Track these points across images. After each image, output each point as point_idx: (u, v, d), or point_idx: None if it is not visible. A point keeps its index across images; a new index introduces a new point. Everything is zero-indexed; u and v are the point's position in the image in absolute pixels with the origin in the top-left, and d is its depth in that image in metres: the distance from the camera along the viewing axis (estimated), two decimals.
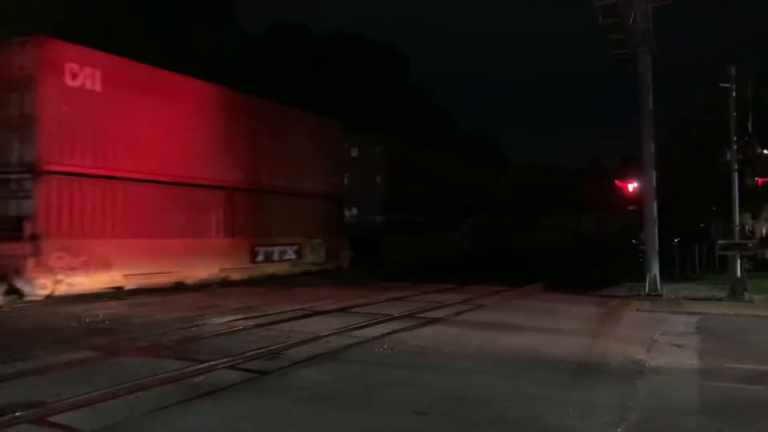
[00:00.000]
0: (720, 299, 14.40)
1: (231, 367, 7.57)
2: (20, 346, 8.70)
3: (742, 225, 17.33)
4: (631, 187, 32.35)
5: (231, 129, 17.75)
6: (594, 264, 23.53)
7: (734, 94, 15.83)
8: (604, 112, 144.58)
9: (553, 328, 10.83)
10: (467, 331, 10.44)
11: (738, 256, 15.07)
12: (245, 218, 18.09)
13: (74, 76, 13.70)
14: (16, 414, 5.57)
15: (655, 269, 15.41)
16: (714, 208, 24.54)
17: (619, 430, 5.40)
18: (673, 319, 11.92)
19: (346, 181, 23.34)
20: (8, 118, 13.31)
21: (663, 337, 9.89)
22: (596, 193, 49.11)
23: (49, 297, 12.77)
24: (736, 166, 15.88)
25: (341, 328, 10.42)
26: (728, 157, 15.87)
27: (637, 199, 21.85)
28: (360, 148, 24.30)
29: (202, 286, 16.13)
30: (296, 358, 8.06)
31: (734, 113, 15.80)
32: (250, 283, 17.48)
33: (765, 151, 15.91)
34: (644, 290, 15.30)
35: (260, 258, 18.67)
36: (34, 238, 12.81)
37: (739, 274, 14.92)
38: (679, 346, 9.20)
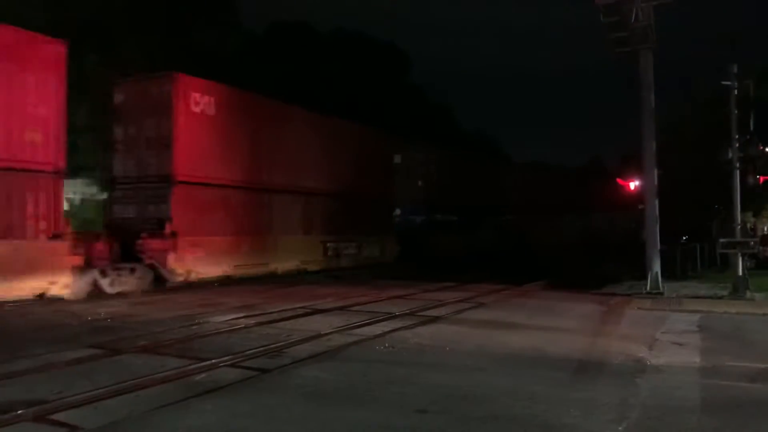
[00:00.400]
0: (721, 297, 14.39)
1: (232, 365, 7.59)
2: (22, 344, 8.73)
3: (744, 223, 17.27)
4: (633, 185, 32.46)
5: (307, 143, 20.67)
6: (605, 261, 23.70)
7: (735, 92, 15.79)
8: (603, 110, 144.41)
9: (554, 326, 10.83)
10: (468, 330, 10.44)
11: (739, 254, 15.04)
12: (319, 219, 21.23)
13: (197, 104, 16.78)
14: (18, 412, 5.59)
15: (657, 267, 15.39)
16: (715, 207, 24.53)
17: (620, 428, 5.39)
18: (675, 317, 11.90)
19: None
20: (147, 139, 16.45)
21: (664, 336, 9.88)
22: (607, 192, 50.31)
23: (183, 281, 15.83)
24: (737, 165, 15.84)
25: (342, 326, 10.44)
26: (730, 155, 15.83)
27: (639, 197, 21.94)
28: (402, 155, 26.78)
29: (289, 275, 19.04)
30: (297, 356, 8.07)
31: (735, 111, 15.76)
32: (318, 274, 20.14)
33: (766, 149, 15.88)
34: (646, 288, 15.29)
35: (330, 253, 21.99)
36: (172, 235, 15.76)
37: (740, 272, 14.90)
38: (680, 344, 9.19)
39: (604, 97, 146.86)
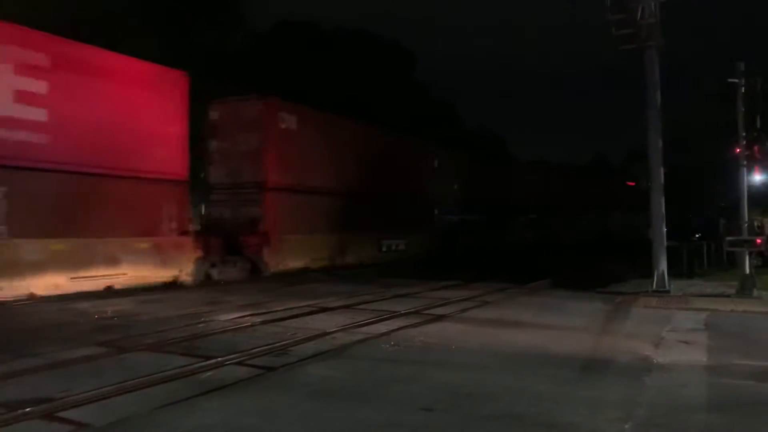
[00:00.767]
0: (728, 296, 14.31)
1: (238, 364, 7.61)
2: (30, 342, 8.77)
3: (751, 221, 17.21)
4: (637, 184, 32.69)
5: (366, 153, 23.25)
6: (621, 259, 23.82)
7: (743, 89, 15.73)
8: (608, 107, 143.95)
9: (559, 324, 10.81)
10: (473, 328, 10.43)
11: (746, 252, 14.98)
12: (373, 218, 23.56)
13: (283, 121, 19.57)
14: (26, 410, 5.62)
15: (663, 265, 15.32)
16: (722, 204, 24.46)
17: (626, 426, 5.38)
18: (681, 315, 11.86)
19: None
20: (241, 151, 19.02)
21: (671, 334, 9.85)
22: (624, 191, 52.84)
23: (273, 274, 18.35)
24: (744, 162, 15.78)
25: (347, 324, 10.45)
26: (737, 152, 15.77)
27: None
28: (439, 160, 29.30)
29: (350, 267, 21.40)
30: (303, 355, 8.09)
31: (743, 109, 15.70)
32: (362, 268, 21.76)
33: None
34: (652, 286, 15.23)
35: (384, 249, 24.43)
36: (265, 233, 18.54)
37: (747, 270, 14.84)
38: (687, 342, 9.17)
39: (609, 95, 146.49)
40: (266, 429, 5.38)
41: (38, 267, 13.02)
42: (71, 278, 13.59)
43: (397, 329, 10.05)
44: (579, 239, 38.97)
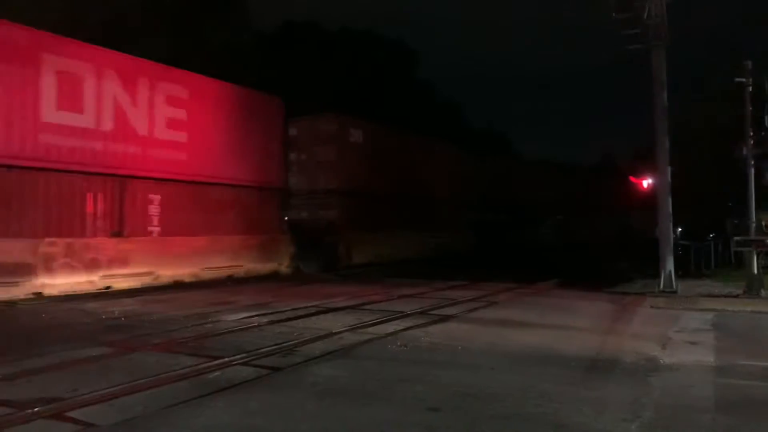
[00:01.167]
0: (736, 296, 14.26)
1: (245, 364, 7.63)
2: (37, 342, 8.83)
3: (759, 221, 17.13)
4: (646, 183, 32.72)
5: (417, 160, 27.24)
6: (637, 257, 23.95)
7: (750, 88, 15.65)
8: (615, 106, 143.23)
9: (566, 324, 10.79)
10: (480, 328, 10.43)
11: (754, 252, 14.92)
12: (419, 218, 26.93)
13: (352, 136, 23.49)
14: (35, 409, 5.66)
15: (670, 265, 15.28)
16: (730, 204, 24.37)
17: (633, 427, 5.38)
18: (688, 315, 11.83)
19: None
20: (316, 161, 22.57)
21: (677, 334, 9.83)
22: (643, 191, 52.57)
23: (345, 266, 21.74)
24: (752, 162, 15.71)
25: (354, 324, 10.46)
26: (744, 152, 15.70)
27: (652, 195, 22.05)
28: (473, 166, 32.70)
29: (406, 261, 24.23)
30: (310, 355, 8.11)
31: (750, 108, 15.63)
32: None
33: None
34: (659, 287, 15.19)
35: (430, 245, 27.37)
36: (338, 232, 21.99)
37: (755, 270, 14.77)
38: (693, 343, 9.14)
39: (616, 95, 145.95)
40: (274, 428, 5.40)
41: (183, 259, 16.91)
42: (205, 268, 17.46)
43: (404, 329, 10.08)
44: (600, 238, 40.89)
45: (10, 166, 13.38)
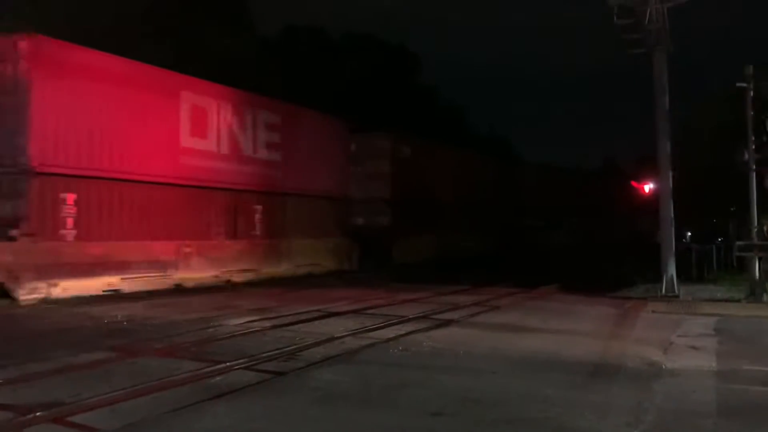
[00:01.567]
0: (738, 301, 14.23)
1: (247, 368, 7.62)
2: (40, 346, 8.83)
3: (761, 226, 17.12)
4: (647, 188, 32.87)
5: (455, 170, 30.93)
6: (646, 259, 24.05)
7: (752, 93, 15.66)
8: (617, 111, 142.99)
9: (568, 329, 10.79)
10: (482, 333, 10.43)
11: (756, 257, 14.90)
12: (457, 222, 30.14)
13: (401, 152, 26.89)
14: (36, 414, 5.66)
15: (672, 270, 15.24)
16: (731, 209, 24.35)
17: (635, 431, 5.37)
18: (690, 320, 11.81)
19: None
20: (371, 173, 25.54)
21: (680, 339, 9.81)
22: (645, 196, 54.04)
23: (397, 265, 24.07)
24: (753, 167, 15.71)
25: (356, 329, 10.45)
26: (746, 157, 15.70)
27: (654, 199, 22.05)
28: (502, 174, 36.09)
29: (427, 263, 25.77)
30: (312, 359, 8.10)
31: (752, 113, 15.63)
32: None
33: None
34: (661, 291, 15.16)
35: (462, 245, 29.94)
36: (391, 236, 25.27)
37: (757, 275, 14.75)
38: (696, 347, 9.13)
39: (618, 98, 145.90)
40: None
41: (286, 257, 20.66)
42: (297, 266, 20.93)
43: (406, 334, 10.06)
44: (613, 241, 42.70)
45: (162, 183, 16.40)
